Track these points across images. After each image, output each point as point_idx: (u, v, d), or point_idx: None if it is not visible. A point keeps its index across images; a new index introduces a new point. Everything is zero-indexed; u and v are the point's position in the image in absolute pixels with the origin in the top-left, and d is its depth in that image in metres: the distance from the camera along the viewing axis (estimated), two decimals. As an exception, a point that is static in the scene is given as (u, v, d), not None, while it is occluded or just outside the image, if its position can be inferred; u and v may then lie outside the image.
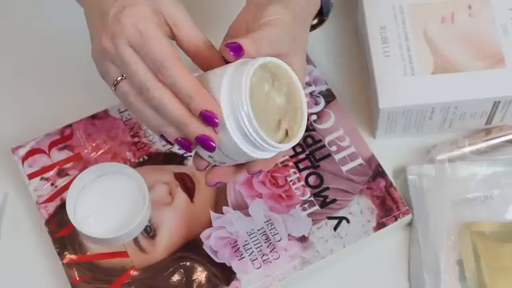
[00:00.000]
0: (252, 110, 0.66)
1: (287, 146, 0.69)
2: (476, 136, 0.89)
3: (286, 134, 0.70)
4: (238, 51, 0.69)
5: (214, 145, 0.68)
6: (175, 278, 0.84)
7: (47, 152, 0.89)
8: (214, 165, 0.73)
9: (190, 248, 0.85)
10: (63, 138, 0.90)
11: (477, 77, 0.87)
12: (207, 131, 0.68)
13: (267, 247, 0.85)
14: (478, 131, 0.90)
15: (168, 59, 0.68)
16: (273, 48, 0.71)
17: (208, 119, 0.67)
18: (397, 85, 0.87)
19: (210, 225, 0.86)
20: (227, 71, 0.68)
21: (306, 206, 0.87)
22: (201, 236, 0.85)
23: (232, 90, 0.67)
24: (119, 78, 0.71)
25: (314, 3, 0.79)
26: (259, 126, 0.66)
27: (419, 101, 0.86)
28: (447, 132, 0.91)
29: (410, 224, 0.87)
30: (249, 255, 0.84)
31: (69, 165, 0.89)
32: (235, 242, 0.85)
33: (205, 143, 0.68)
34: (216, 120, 0.67)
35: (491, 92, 0.86)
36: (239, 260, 0.84)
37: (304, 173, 0.88)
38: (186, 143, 0.70)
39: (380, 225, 0.86)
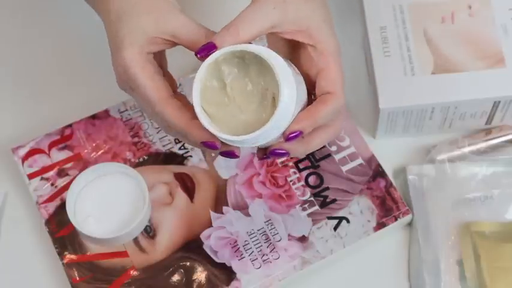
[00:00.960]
0: (200, 111, 0.68)
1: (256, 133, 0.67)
2: (476, 136, 0.89)
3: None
4: (204, 49, 0.70)
5: (218, 145, 0.70)
6: (175, 278, 0.84)
7: (47, 152, 0.89)
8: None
9: (190, 248, 0.85)
10: (63, 138, 0.90)
11: (477, 77, 0.87)
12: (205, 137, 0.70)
13: (267, 247, 0.85)
14: (478, 131, 0.90)
15: (155, 105, 0.71)
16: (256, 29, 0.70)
17: (209, 147, 0.70)
18: (397, 85, 0.87)
19: (210, 225, 0.86)
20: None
21: (306, 206, 0.87)
22: (201, 236, 0.85)
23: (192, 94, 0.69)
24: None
25: None
26: (215, 128, 0.67)
27: (419, 101, 0.86)
28: (447, 133, 0.91)
29: (410, 224, 0.87)
30: (249, 255, 0.84)
31: (69, 165, 0.89)
32: (235, 242, 0.85)
33: (211, 146, 0.70)
34: (217, 145, 0.70)
35: (491, 92, 0.86)
36: (239, 260, 0.84)
37: (304, 173, 0.88)
38: (211, 144, 0.71)
39: (380, 225, 0.86)
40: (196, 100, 0.68)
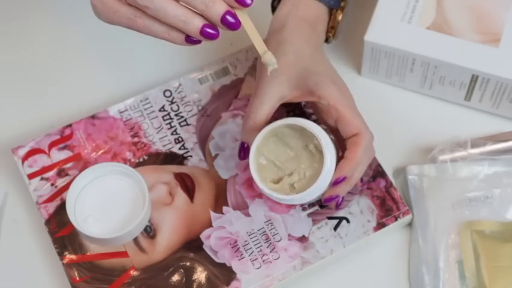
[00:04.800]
0: (255, 171, 0.81)
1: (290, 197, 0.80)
2: (479, 139, 0.89)
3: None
4: None
5: (217, 33, 0.72)
6: (175, 278, 0.84)
7: (47, 152, 0.89)
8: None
9: (190, 248, 0.85)
10: (63, 138, 0.90)
11: (466, 46, 0.89)
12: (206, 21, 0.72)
13: (267, 247, 0.85)
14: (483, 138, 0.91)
15: None
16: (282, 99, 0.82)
17: (230, 18, 0.71)
18: (390, 26, 0.90)
19: (210, 225, 0.86)
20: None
21: (306, 206, 0.87)
22: (201, 236, 0.85)
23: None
24: None
25: (317, 38, 0.86)
26: (261, 181, 0.81)
27: (402, 46, 0.89)
28: (428, 96, 0.94)
29: (410, 224, 0.87)
30: (249, 255, 0.84)
31: (69, 165, 0.89)
32: (235, 242, 0.85)
33: (230, 20, 0.71)
34: (235, 21, 0.71)
35: (473, 63, 0.88)
36: (239, 260, 0.84)
37: (304, 173, 0.89)
38: (212, 29, 0.72)
39: (380, 225, 0.86)
40: (255, 177, 0.81)
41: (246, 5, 0.72)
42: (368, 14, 0.91)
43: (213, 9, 0.71)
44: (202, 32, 0.72)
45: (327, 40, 0.89)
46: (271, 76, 0.80)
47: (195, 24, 0.71)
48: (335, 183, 0.80)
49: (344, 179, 0.80)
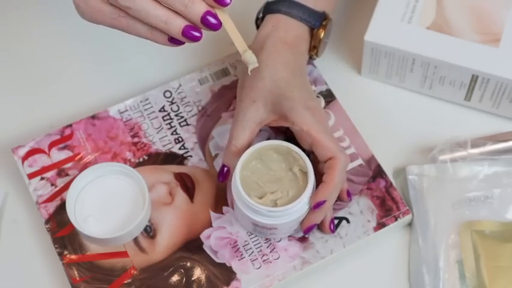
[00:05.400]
0: (239, 183, 0.81)
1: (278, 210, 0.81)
2: (479, 139, 0.89)
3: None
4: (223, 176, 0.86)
5: (199, 34, 0.72)
6: (175, 278, 0.84)
7: (47, 152, 0.89)
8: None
9: (190, 248, 0.85)
10: (63, 138, 0.90)
11: (467, 46, 0.89)
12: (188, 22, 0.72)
13: (267, 247, 0.85)
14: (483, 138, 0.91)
15: None
16: (258, 126, 0.84)
17: (210, 19, 0.71)
18: (390, 26, 0.90)
19: (210, 225, 0.86)
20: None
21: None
22: (201, 236, 0.85)
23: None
24: None
25: (300, 61, 0.87)
26: (245, 193, 0.81)
27: (402, 46, 0.89)
28: (428, 96, 0.94)
29: (410, 224, 0.87)
30: (249, 255, 0.84)
31: (69, 165, 0.89)
32: (235, 242, 0.85)
33: (211, 20, 0.72)
34: (216, 22, 0.72)
35: (473, 64, 0.88)
36: (239, 260, 0.84)
37: (304, 173, 0.88)
38: (194, 30, 0.72)
39: (380, 225, 0.86)
40: (240, 188, 0.81)
41: (224, 4, 0.72)
42: (368, 14, 0.91)
43: (193, 10, 0.71)
44: (184, 33, 0.72)
45: (311, 57, 0.90)
46: (248, 101, 0.83)
47: (177, 24, 0.72)
48: (316, 206, 0.81)
49: (324, 202, 0.81)
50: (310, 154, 0.84)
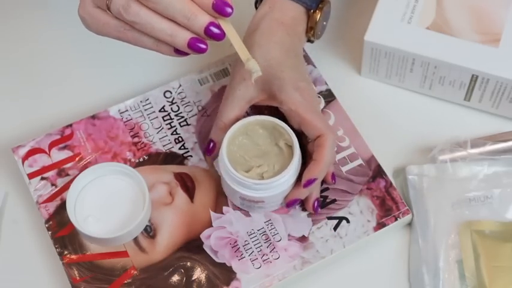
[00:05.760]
0: (226, 156, 0.82)
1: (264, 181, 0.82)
2: (479, 139, 0.89)
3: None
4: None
5: (205, 46, 0.73)
6: (175, 278, 0.84)
7: (47, 151, 0.89)
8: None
9: (190, 248, 0.85)
10: (63, 138, 0.90)
11: (466, 46, 0.89)
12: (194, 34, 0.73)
13: (267, 247, 0.85)
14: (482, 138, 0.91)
15: None
16: (248, 104, 0.85)
17: (220, 6, 0.72)
18: (390, 27, 0.90)
19: (210, 225, 0.86)
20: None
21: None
22: (201, 236, 0.85)
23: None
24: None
25: (295, 45, 0.87)
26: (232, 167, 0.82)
27: (402, 46, 0.89)
28: (428, 96, 0.94)
29: (410, 224, 0.87)
30: (249, 255, 0.84)
31: (69, 165, 0.89)
32: (235, 242, 0.85)
33: (215, 30, 0.72)
34: (229, 10, 0.72)
35: (473, 64, 0.88)
36: (239, 260, 0.84)
37: (304, 173, 0.88)
38: (199, 42, 0.73)
39: (380, 225, 0.86)
40: (227, 163, 0.82)
41: (226, 15, 0.73)
42: (368, 14, 0.91)
43: (196, 22, 0.72)
44: (190, 45, 0.73)
45: (310, 40, 0.90)
46: (239, 78, 0.84)
47: (182, 37, 0.73)
48: (306, 184, 0.82)
49: (315, 180, 0.82)
50: (301, 135, 0.85)
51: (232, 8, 0.73)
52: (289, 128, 0.84)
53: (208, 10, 0.72)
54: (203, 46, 0.73)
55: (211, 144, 0.86)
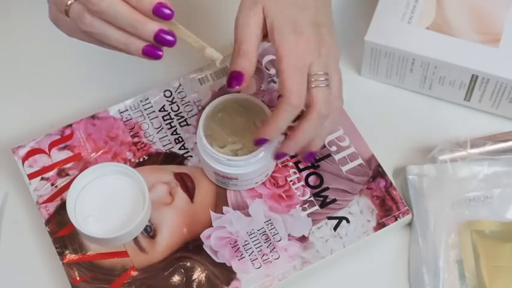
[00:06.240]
0: (202, 132, 0.83)
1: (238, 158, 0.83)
2: (479, 139, 0.89)
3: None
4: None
5: (173, 39, 0.73)
6: (175, 278, 0.84)
7: (47, 152, 0.89)
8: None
9: (190, 248, 0.85)
10: (63, 138, 0.90)
11: (466, 46, 0.89)
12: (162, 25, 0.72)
13: (267, 247, 0.85)
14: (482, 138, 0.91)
15: None
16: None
17: (159, 10, 0.71)
18: (390, 26, 0.90)
19: (210, 225, 0.86)
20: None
21: (306, 206, 0.87)
22: (201, 236, 0.85)
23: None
24: (69, 2, 0.74)
25: None
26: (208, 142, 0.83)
27: (402, 46, 0.89)
28: (427, 96, 0.94)
29: (410, 224, 0.87)
30: (249, 255, 0.84)
31: (69, 165, 0.89)
32: (235, 242, 0.85)
33: (165, 37, 0.72)
34: (168, 12, 0.71)
35: (473, 64, 0.88)
36: (239, 260, 0.84)
37: (304, 173, 0.88)
38: (152, 50, 0.74)
39: (380, 225, 0.86)
40: (203, 138, 0.83)
41: (167, 17, 0.72)
42: (368, 14, 0.91)
43: (145, 30, 0.72)
44: (145, 53, 0.74)
45: None
46: (250, 2, 0.76)
47: (136, 46, 0.74)
48: (256, 143, 0.79)
49: (265, 141, 0.78)
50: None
51: (171, 10, 0.72)
52: (267, 107, 0.84)
53: (150, 16, 0.72)
54: (159, 53, 0.74)
55: (239, 74, 0.75)
